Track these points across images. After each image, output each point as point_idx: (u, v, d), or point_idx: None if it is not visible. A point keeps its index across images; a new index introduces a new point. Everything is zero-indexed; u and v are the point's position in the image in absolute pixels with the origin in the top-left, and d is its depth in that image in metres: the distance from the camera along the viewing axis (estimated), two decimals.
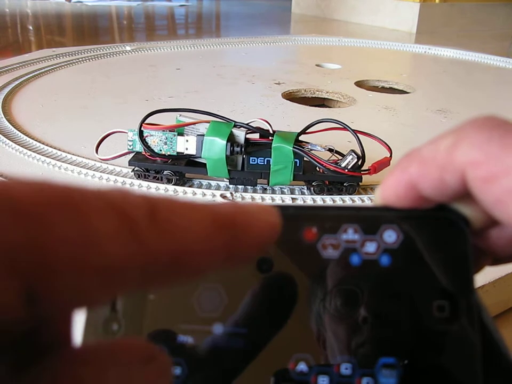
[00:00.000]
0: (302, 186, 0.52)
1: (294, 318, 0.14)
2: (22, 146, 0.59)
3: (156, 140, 0.50)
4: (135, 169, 0.51)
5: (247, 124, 0.49)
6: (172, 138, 0.49)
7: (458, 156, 0.13)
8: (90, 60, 1.11)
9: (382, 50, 1.42)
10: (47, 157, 0.57)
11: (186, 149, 0.49)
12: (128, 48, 1.22)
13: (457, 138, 0.14)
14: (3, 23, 1.85)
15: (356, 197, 0.50)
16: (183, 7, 2.67)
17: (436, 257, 0.14)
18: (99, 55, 1.14)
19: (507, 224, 0.13)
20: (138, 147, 0.50)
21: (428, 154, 0.14)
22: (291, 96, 0.91)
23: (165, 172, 0.50)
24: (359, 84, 1.01)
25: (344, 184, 0.50)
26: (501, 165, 0.13)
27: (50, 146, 0.60)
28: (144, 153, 0.50)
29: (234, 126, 0.48)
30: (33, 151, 0.58)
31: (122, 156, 0.52)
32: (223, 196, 0.50)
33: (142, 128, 0.49)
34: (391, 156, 0.49)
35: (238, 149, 0.47)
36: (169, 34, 1.82)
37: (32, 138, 0.62)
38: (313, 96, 0.93)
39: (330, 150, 0.49)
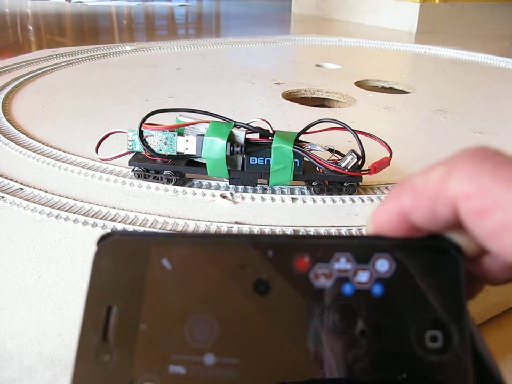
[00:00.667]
0: (302, 186, 0.52)
1: (290, 337, 0.14)
2: (22, 146, 0.59)
3: (156, 140, 0.50)
4: (135, 169, 0.51)
5: (247, 124, 0.49)
6: (171, 138, 0.49)
7: (450, 188, 0.13)
8: (90, 60, 1.11)
9: (382, 50, 1.42)
10: (47, 157, 0.57)
11: (186, 149, 0.49)
12: (128, 48, 1.22)
13: (449, 170, 0.13)
14: (3, 23, 1.85)
15: (355, 197, 0.50)
16: (183, 7, 2.67)
17: (429, 286, 0.14)
18: (99, 55, 1.14)
19: (500, 257, 0.13)
20: (138, 147, 0.50)
21: (420, 184, 0.14)
22: (291, 96, 0.91)
23: (165, 172, 0.50)
24: (359, 84, 1.02)
25: (344, 184, 0.50)
26: (493, 198, 0.12)
27: (50, 146, 0.60)
28: (144, 153, 0.50)
29: (234, 126, 0.48)
30: (33, 151, 0.58)
31: (122, 156, 0.52)
32: (223, 196, 0.50)
33: (142, 128, 0.49)
34: (391, 155, 0.49)
35: (238, 149, 0.47)
36: (169, 34, 1.82)
37: (32, 138, 0.62)
38: (313, 96, 0.93)
39: (330, 150, 0.49)
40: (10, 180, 0.51)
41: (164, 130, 0.49)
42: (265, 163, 0.49)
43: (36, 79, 0.93)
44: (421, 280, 0.14)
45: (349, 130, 0.48)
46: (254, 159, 0.49)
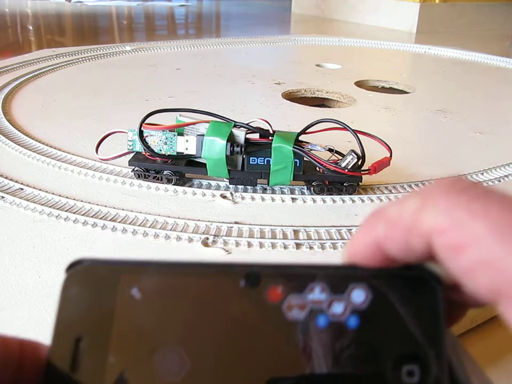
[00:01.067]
0: (302, 186, 0.52)
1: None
2: (22, 146, 0.59)
3: (156, 140, 0.50)
4: (135, 169, 0.51)
5: (247, 124, 0.49)
6: (172, 138, 0.49)
7: (424, 221, 0.13)
8: (90, 60, 1.11)
9: (382, 50, 1.42)
10: (47, 157, 0.57)
11: (186, 149, 0.49)
12: (128, 48, 1.22)
13: (424, 201, 0.13)
14: (3, 23, 1.85)
15: (355, 197, 0.50)
16: (183, 7, 2.67)
17: (406, 317, 0.14)
18: (99, 55, 1.14)
19: (476, 293, 0.13)
20: (138, 147, 0.50)
21: (394, 215, 0.14)
22: (291, 96, 0.91)
23: (165, 172, 0.50)
24: (359, 84, 1.02)
25: (344, 184, 0.50)
26: (467, 234, 0.12)
27: (50, 146, 0.60)
28: (144, 153, 0.51)
29: (234, 126, 0.48)
30: (33, 151, 0.58)
31: (122, 156, 0.52)
32: (223, 196, 0.50)
33: (142, 128, 0.49)
34: (391, 155, 0.49)
35: (238, 149, 0.47)
36: (169, 34, 1.82)
37: (32, 138, 0.62)
38: (313, 96, 0.93)
39: (330, 150, 0.49)
40: (10, 180, 0.51)
41: (163, 130, 0.49)
42: (265, 163, 0.49)
43: (36, 79, 0.93)
44: (397, 312, 0.14)
45: (349, 130, 0.48)
46: (254, 159, 0.49)
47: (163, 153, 0.50)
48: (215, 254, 0.41)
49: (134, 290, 0.14)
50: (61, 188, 0.50)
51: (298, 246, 0.42)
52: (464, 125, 0.77)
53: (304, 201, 0.50)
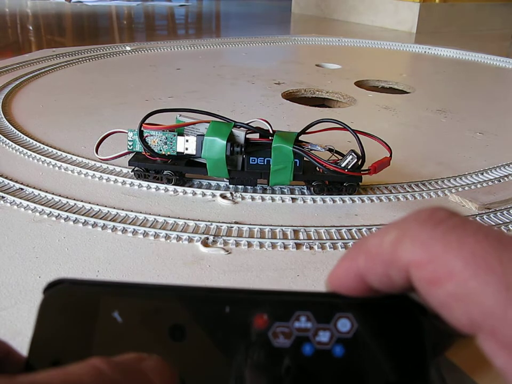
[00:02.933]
0: (302, 186, 0.52)
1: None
2: (22, 146, 0.59)
3: (156, 140, 0.50)
4: (135, 169, 0.51)
5: (247, 124, 0.49)
6: (171, 138, 0.49)
7: (402, 254, 0.13)
8: (90, 60, 1.11)
9: (382, 50, 1.42)
10: (47, 157, 0.57)
11: (186, 149, 0.49)
12: (128, 48, 1.22)
13: (401, 234, 0.13)
14: (3, 23, 1.85)
15: (355, 197, 0.50)
16: (183, 7, 2.67)
17: (391, 346, 0.14)
18: (99, 55, 1.14)
19: (454, 326, 0.13)
20: (138, 147, 0.50)
21: (374, 248, 0.14)
22: (291, 96, 0.91)
23: (165, 172, 0.50)
24: (359, 83, 1.02)
25: (344, 184, 0.50)
26: (444, 268, 0.12)
27: (50, 146, 0.60)
28: (144, 153, 0.51)
29: (234, 126, 0.48)
30: (33, 151, 0.58)
31: (122, 156, 0.52)
32: (223, 196, 0.50)
33: (142, 128, 0.49)
34: (391, 155, 0.49)
35: (238, 149, 0.47)
36: (169, 34, 1.82)
37: (32, 138, 0.62)
38: (313, 96, 0.93)
39: (330, 150, 0.49)
40: (10, 180, 0.51)
41: (164, 131, 0.49)
42: (265, 163, 0.49)
43: (36, 79, 0.93)
44: (383, 341, 0.14)
45: (349, 130, 0.48)
46: (254, 159, 0.49)
47: (163, 153, 0.50)
48: (215, 254, 0.41)
49: (115, 314, 0.14)
50: (61, 188, 0.50)
51: (298, 246, 0.42)
52: (464, 125, 0.77)
53: (304, 201, 0.50)
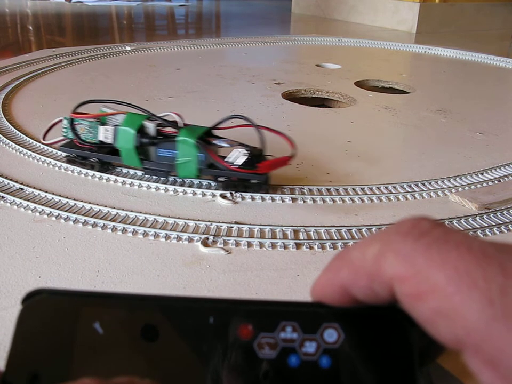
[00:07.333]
0: (302, 186, 0.52)
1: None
2: (22, 146, 0.59)
3: (84, 128, 0.53)
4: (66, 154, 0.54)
5: (160, 117, 0.50)
6: (95, 128, 0.52)
7: (385, 268, 0.13)
8: (90, 60, 1.11)
9: (382, 50, 1.42)
10: (47, 157, 0.57)
11: (106, 138, 0.52)
12: (128, 48, 1.22)
13: (384, 247, 0.13)
14: (3, 23, 1.85)
15: (355, 197, 0.50)
16: (183, 7, 2.67)
17: (378, 357, 0.13)
18: (99, 55, 1.14)
19: (439, 340, 0.13)
20: (71, 134, 0.54)
21: (357, 260, 0.14)
22: (291, 96, 0.91)
23: (89, 159, 0.53)
24: (359, 83, 1.02)
25: (251, 182, 0.49)
26: (427, 283, 0.12)
27: (50, 146, 0.60)
28: (74, 140, 0.54)
29: (149, 118, 0.50)
30: (33, 151, 0.58)
31: (61, 142, 0.55)
32: (223, 196, 0.50)
33: (72, 117, 0.52)
34: (292, 154, 0.47)
35: (147, 140, 0.49)
36: (169, 34, 1.82)
37: (32, 138, 0.62)
38: (313, 96, 0.93)
39: (245, 146, 0.48)
40: (10, 180, 0.51)
41: (91, 120, 0.52)
42: (173, 155, 0.50)
43: (36, 79, 0.93)
44: (370, 352, 0.14)
45: (253, 127, 0.47)
46: (162, 151, 0.50)
47: (88, 141, 0.53)
48: (215, 254, 0.41)
49: (96, 325, 0.13)
50: (61, 188, 0.50)
51: (298, 246, 0.42)
52: (464, 125, 0.77)
53: (304, 201, 0.50)
